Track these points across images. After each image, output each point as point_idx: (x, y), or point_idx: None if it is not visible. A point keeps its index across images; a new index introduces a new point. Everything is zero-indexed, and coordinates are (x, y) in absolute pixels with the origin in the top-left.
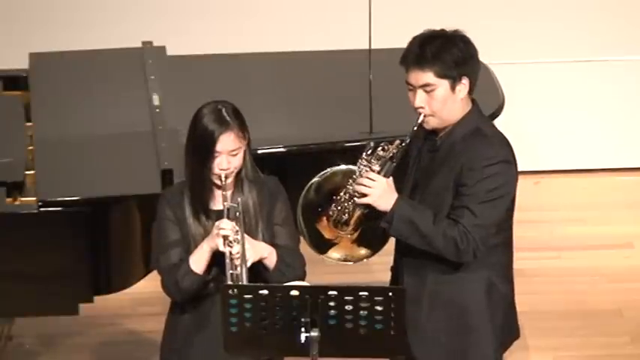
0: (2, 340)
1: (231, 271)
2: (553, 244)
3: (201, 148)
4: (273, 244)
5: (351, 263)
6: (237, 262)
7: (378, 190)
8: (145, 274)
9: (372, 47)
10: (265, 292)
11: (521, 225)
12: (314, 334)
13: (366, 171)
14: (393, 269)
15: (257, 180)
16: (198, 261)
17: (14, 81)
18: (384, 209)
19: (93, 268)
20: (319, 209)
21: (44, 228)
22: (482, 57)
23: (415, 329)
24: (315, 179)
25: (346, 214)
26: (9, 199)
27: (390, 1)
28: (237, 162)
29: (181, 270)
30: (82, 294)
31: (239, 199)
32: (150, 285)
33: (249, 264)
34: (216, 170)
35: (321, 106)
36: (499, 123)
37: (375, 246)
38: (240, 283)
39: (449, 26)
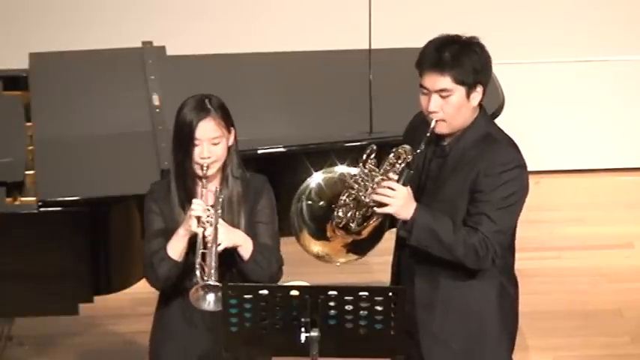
0: (2, 340)
1: (202, 250)
2: (553, 244)
3: (182, 137)
4: (253, 240)
5: (327, 262)
6: (210, 243)
7: (400, 200)
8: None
9: (372, 47)
10: (265, 292)
11: (522, 225)
12: (314, 334)
13: (383, 179)
14: (394, 274)
15: (243, 177)
16: (175, 246)
17: (14, 81)
18: (404, 218)
19: (93, 268)
20: (329, 208)
21: (44, 228)
22: None
23: (429, 335)
24: (324, 176)
25: (355, 223)
26: (9, 199)
27: (390, 1)
28: (219, 152)
29: (158, 257)
30: (82, 294)
31: (217, 186)
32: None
33: (221, 247)
34: (197, 159)
35: (321, 106)
36: (499, 123)
37: (359, 254)
38: (210, 264)
39: (449, 27)
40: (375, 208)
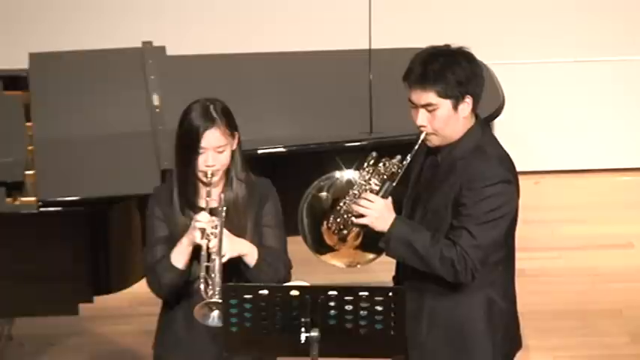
0: (2, 340)
1: (206, 264)
2: (553, 244)
3: (186, 144)
4: (259, 244)
5: (359, 266)
6: (214, 255)
7: (376, 212)
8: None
9: (372, 47)
10: (265, 292)
11: (522, 225)
12: (314, 334)
13: (365, 190)
14: (395, 279)
15: (248, 181)
16: (179, 255)
17: (14, 81)
18: (382, 230)
19: (93, 268)
20: (323, 213)
21: (44, 228)
22: (483, 57)
23: (415, 345)
24: (321, 182)
25: (344, 230)
26: (9, 199)
27: (390, 1)
28: (224, 159)
29: (162, 265)
30: (82, 294)
31: (222, 196)
32: None
33: (225, 259)
34: (202, 167)
35: (321, 106)
36: (499, 123)
37: (378, 248)
38: (212, 276)
39: (449, 27)
40: (352, 218)
